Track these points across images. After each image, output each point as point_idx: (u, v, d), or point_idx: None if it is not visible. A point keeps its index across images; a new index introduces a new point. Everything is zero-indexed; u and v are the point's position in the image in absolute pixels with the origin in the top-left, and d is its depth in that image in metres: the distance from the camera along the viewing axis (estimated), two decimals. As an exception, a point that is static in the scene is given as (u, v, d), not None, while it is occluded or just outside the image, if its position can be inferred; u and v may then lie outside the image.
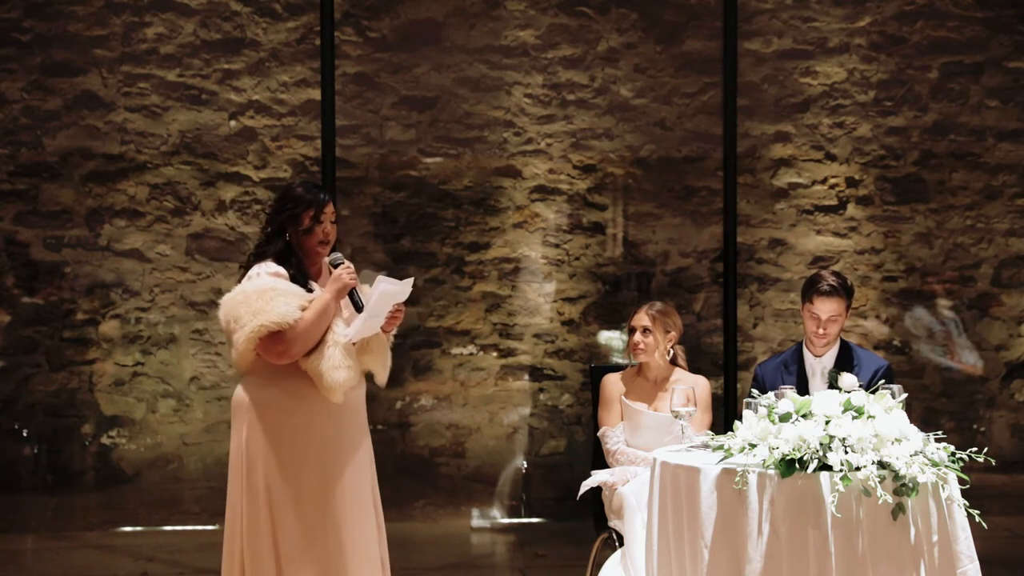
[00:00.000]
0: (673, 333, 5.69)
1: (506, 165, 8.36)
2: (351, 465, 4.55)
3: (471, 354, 8.34)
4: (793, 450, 4.25)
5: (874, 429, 4.29)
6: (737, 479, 4.29)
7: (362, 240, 8.22)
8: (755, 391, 4.83)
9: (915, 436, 4.37)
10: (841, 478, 4.20)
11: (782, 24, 8.42)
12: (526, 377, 8.37)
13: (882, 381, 4.94)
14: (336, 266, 4.57)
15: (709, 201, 8.37)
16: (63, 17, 8.05)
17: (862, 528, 4.24)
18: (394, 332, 4.77)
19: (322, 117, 7.28)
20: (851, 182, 8.49)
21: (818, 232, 8.48)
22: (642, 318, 5.67)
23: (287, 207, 4.58)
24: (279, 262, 4.54)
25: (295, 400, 4.49)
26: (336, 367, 4.47)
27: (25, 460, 8.13)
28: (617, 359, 8.18)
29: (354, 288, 4.55)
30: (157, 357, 8.17)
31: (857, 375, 5.36)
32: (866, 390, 4.51)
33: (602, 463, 5.68)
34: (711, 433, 4.72)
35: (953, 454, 4.41)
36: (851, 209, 8.49)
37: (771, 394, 4.55)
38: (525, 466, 8.36)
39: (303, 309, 4.44)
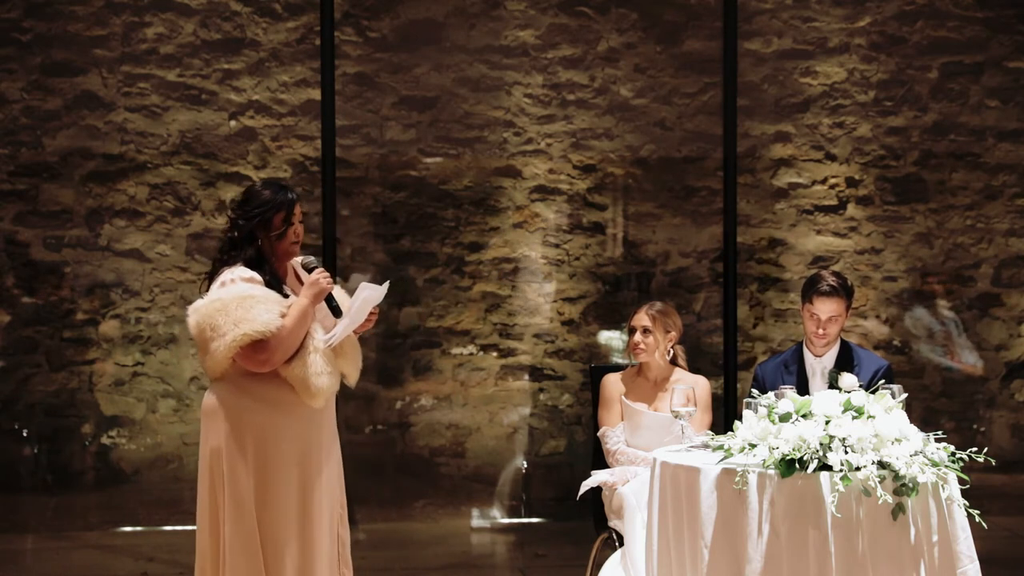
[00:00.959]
0: (673, 333, 5.69)
1: (506, 165, 8.36)
2: (326, 469, 4.53)
3: (471, 354, 8.34)
4: (793, 450, 4.25)
5: (874, 429, 4.29)
6: (737, 479, 4.29)
7: (362, 240, 8.22)
8: (755, 391, 4.83)
9: (915, 436, 4.37)
10: (841, 478, 4.20)
11: (782, 24, 8.42)
12: (526, 377, 8.37)
13: (882, 381, 4.94)
14: (310, 270, 4.51)
15: (709, 201, 8.37)
16: (63, 17, 8.05)
17: (862, 528, 4.24)
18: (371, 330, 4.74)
19: (322, 117, 7.28)
20: (851, 182, 8.49)
21: (818, 232, 8.48)
22: (642, 318, 5.67)
23: (255, 210, 4.47)
24: (250, 267, 4.45)
25: (268, 406, 4.43)
26: (319, 373, 4.42)
27: (25, 460, 8.13)
28: (617, 359, 8.18)
29: (330, 292, 4.49)
30: (157, 357, 8.17)
31: (857, 375, 5.36)
32: (866, 390, 4.51)
33: (602, 463, 5.68)
34: (711, 433, 4.72)
35: (953, 454, 4.41)
36: (851, 209, 8.49)
37: (771, 394, 4.55)
38: (525, 466, 8.36)
39: (282, 316, 4.37)
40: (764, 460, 4.28)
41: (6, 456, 8.10)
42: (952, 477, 4.40)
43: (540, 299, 8.38)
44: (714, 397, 5.85)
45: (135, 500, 8.13)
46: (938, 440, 4.44)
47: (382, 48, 8.24)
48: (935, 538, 4.34)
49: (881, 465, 4.25)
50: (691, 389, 5.32)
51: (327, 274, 4.49)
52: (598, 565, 5.46)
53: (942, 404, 8.53)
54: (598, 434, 5.70)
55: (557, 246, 8.39)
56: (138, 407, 8.16)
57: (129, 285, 8.15)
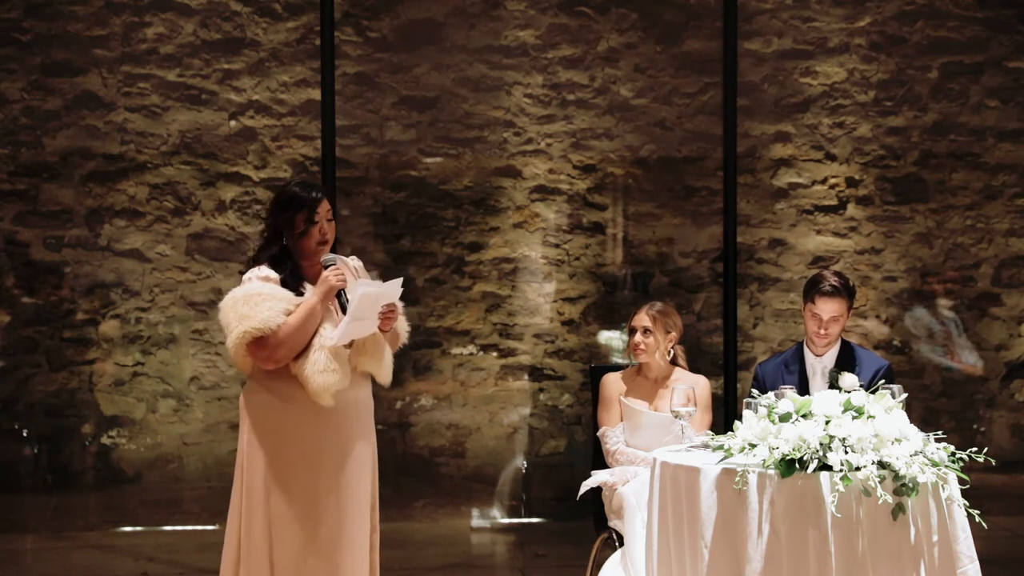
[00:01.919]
0: (673, 333, 5.69)
1: (506, 165, 8.36)
2: (348, 467, 4.54)
3: (471, 354, 8.34)
4: (793, 450, 4.25)
5: (874, 429, 4.29)
6: (737, 479, 4.29)
7: (362, 240, 8.22)
8: (755, 391, 4.83)
9: (915, 436, 4.37)
10: (841, 478, 4.20)
11: (782, 24, 8.42)
12: (526, 377, 8.37)
13: (882, 381, 4.94)
14: (327, 267, 4.52)
15: (709, 201, 8.37)
16: (63, 17, 8.05)
17: (862, 528, 4.24)
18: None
19: (322, 117, 7.27)
20: (851, 182, 8.49)
21: (818, 232, 8.48)
22: (642, 318, 5.67)
23: (281, 211, 4.54)
24: (273, 266, 4.51)
25: (286, 404, 4.47)
26: (321, 371, 4.43)
27: (25, 460, 8.13)
28: (617, 359, 8.18)
29: (342, 290, 4.50)
30: (157, 357, 8.17)
31: (858, 375, 5.36)
32: (866, 390, 4.51)
33: (602, 463, 5.68)
34: (711, 433, 4.71)
35: (953, 454, 4.41)
36: (851, 209, 8.49)
37: (771, 394, 4.55)
38: (525, 466, 8.36)
39: (288, 313, 4.40)
40: (764, 460, 4.28)
41: (6, 456, 8.10)
42: (952, 477, 4.40)
43: (540, 299, 8.38)
44: (714, 397, 5.85)
45: (135, 500, 8.13)
46: (938, 440, 4.44)
47: (382, 48, 8.24)
48: (935, 538, 4.34)
49: (881, 465, 4.25)
50: (691, 389, 5.32)
51: (340, 272, 4.49)
52: (598, 565, 5.46)
53: (942, 404, 8.53)
54: (598, 434, 5.70)
55: (557, 246, 8.39)
56: (138, 407, 8.16)
57: (129, 285, 8.15)
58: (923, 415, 8.22)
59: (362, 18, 8.23)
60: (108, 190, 8.13)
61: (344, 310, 4.49)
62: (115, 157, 8.13)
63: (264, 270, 4.49)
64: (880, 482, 4.21)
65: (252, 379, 4.53)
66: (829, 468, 4.24)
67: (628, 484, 5.39)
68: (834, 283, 5.49)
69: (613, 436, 5.63)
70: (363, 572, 4.55)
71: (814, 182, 8.49)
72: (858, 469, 4.23)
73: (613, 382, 5.72)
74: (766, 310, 8.45)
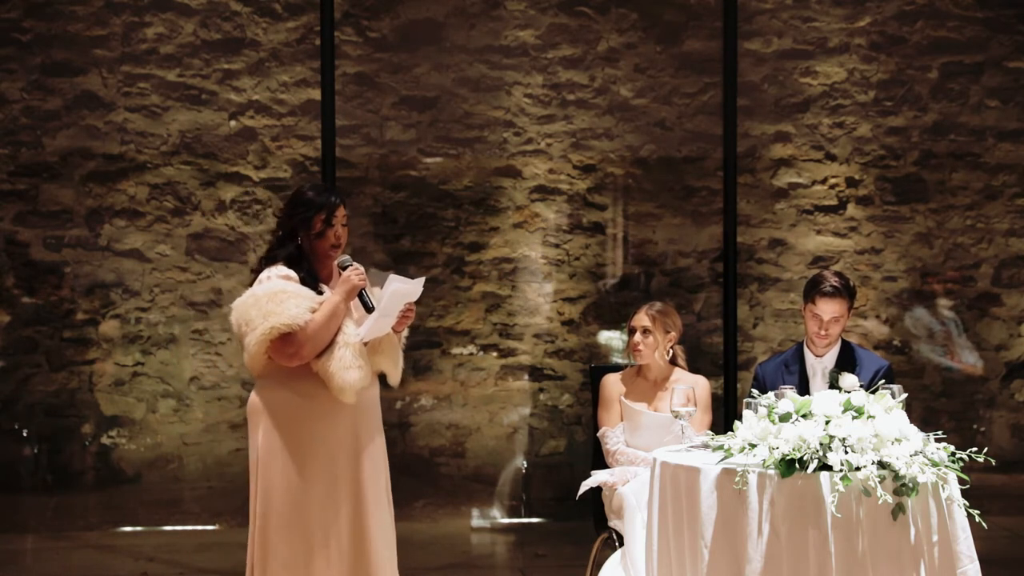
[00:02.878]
0: (673, 333, 5.69)
1: (506, 165, 8.36)
2: (367, 464, 4.58)
3: (471, 354, 8.34)
4: (793, 450, 4.25)
5: (874, 429, 4.29)
6: (737, 479, 4.29)
7: (362, 240, 8.22)
8: (755, 391, 4.83)
9: (915, 436, 4.37)
10: (841, 478, 4.20)
11: (782, 24, 8.42)
12: (526, 377, 8.37)
13: (882, 381, 4.94)
14: (344, 268, 4.58)
15: (709, 201, 8.37)
16: (63, 17, 8.05)
17: (862, 528, 4.24)
18: (405, 333, 4.78)
19: (322, 117, 7.28)
20: (851, 182, 8.49)
21: (818, 232, 8.48)
22: (642, 318, 5.67)
23: (298, 211, 4.59)
24: (290, 265, 4.56)
25: (307, 401, 4.52)
26: (347, 367, 4.49)
27: (25, 460, 8.13)
28: (617, 359, 8.18)
29: (363, 289, 4.56)
30: (157, 357, 8.17)
31: (858, 375, 5.36)
32: (866, 390, 4.51)
33: (602, 463, 5.68)
34: (711, 433, 4.72)
35: (953, 454, 4.41)
36: (851, 209, 8.49)
37: (771, 394, 4.55)
38: (525, 466, 8.36)
39: (313, 311, 4.46)
40: (764, 460, 4.28)
41: (6, 456, 8.10)
42: (952, 477, 4.40)
43: (540, 299, 8.38)
44: (714, 397, 5.85)
45: (135, 500, 8.13)
46: (938, 440, 4.44)
47: (382, 48, 8.24)
48: (935, 538, 4.34)
49: (881, 465, 4.25)
50: (691, 389, 5.32)
51: (360, 271, 4.56)
52: (598, 565, 5.46)
53: (942, 404, 8.53)
54: (598, 434, 5.70)
55: (557, 246, 8.39)
56: (138, 407, 8.16)
57: (129, 285, 8.15)
58: (923, 415, 8.22)
59: (362, 18, 8.23)
60: (108, 190, 8.13)
61: (367, 308, 4.54)
62: (115, 157, 8.13)
63: (283, 269, 4.55)
64: (880, 482, 4.21)
65: (267, 378, 4.55)
66: (829, 468, 4.24)
67: (628, 484, 5.39)
68: (835, 283, 5.49)
69: (613, 436, 5.62)
70: (392, 561, 4.59)
71: (814, 182, 8.49)
72: (858, 469, 4.23)
73: (613, 382, 5.72)
74: (766, 310, 8.46)
